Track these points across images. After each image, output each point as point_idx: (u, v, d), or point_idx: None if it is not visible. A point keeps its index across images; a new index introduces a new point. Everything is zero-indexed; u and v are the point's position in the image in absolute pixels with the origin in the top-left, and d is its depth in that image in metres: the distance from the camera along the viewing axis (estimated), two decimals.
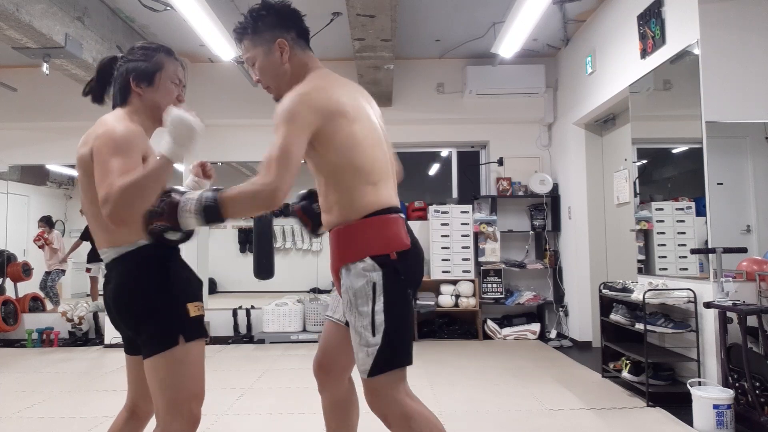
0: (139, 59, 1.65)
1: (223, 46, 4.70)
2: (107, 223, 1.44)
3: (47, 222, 6.71)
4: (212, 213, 1.42)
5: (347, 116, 1.56)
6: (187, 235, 1.52)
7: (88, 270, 6.90)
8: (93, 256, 6.79)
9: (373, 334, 1.51)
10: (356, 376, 1.68)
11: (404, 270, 1.56)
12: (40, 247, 6.66)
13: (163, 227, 1.44)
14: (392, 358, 1.53)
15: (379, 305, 1.52)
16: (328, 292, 6.48)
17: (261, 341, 5.61)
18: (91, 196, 1.55)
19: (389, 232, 1.58)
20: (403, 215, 1.66)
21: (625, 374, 3.57)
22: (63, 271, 6.82)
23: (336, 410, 1.87)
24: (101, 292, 6.18)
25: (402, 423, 1.53)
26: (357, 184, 1.57)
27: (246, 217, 1.57)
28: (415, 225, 6.01)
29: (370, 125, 1.64)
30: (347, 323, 1.72)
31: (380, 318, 1.51)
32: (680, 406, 3.10)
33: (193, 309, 1.57)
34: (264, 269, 5.72)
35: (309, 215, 1.83)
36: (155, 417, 1.58)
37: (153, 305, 1.53)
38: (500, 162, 6.03)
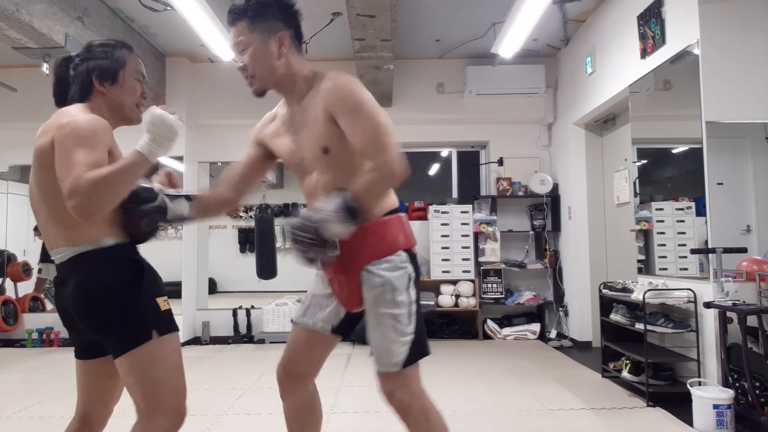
0: (100, 57, 1.59)
1: (223, 46, 4.70)
2: (67, 219, 1.39)
3: None
4: (355, 214, 1.46)
5: None
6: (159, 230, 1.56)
7: (40, 271, 6.26)
8: (46, 256, 6.55)
9: (410, 322, 1.58)
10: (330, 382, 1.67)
11: (418, 265, 1.68)
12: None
13: (146, 222, 1.50)
14: (423, 345, 1.61)
15: (414, 295, 1.61)
16: None
17: (261, 341, 5.61)
18: (47, 189, 1.48)
19: (409, 228, 1.70)
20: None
21: (625, 374, 3.57)
22: None
23: (301, 415, 1.85)
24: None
25: (421, 416, 1.59)
26: None
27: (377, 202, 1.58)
28: (415, 225, 6.01)
29: None
30: (334, 329, 1.76)
31: (415, 308, 1.60)
32: (680, 406, 3.09)
33: (162, 303, 1.55)
34: (267, 269, 5.72)
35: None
36: (138, 416, 1.55)
37: (125, 302, 1.48)
38: (500, 162, 6.03)
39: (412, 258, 1.65)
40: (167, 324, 1.55)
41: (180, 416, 1.55)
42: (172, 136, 1.42)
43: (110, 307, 1.48)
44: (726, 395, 2.81)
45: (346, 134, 1.53)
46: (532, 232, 5.91)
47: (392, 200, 1.68)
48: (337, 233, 1.46)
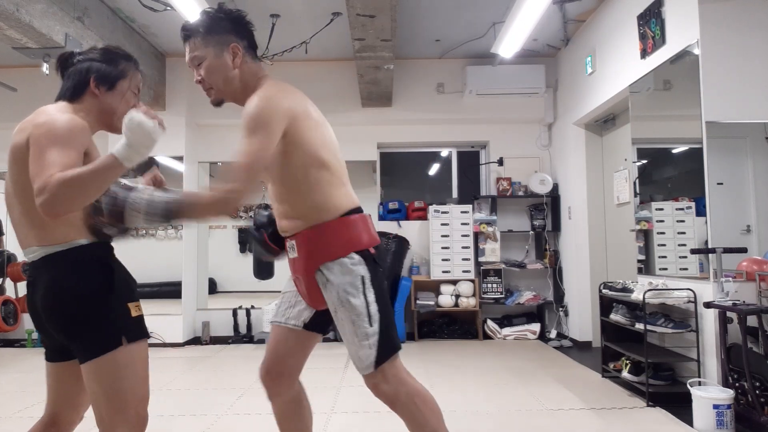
0: (104, 61, 1.62)
1: None
2: (39, 218, 1.38)
3: None
4: (168, 216, 1.45)
5: (313, 118, 1.66)
6: (126, 232, 1.51)
7: None
8: None
9: (371, 324, 1.60)
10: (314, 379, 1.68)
11: (382, 262, 1.71)
12: None
13: (106, 224, 1.44)
14: (392, 341, 1.64)
15: (371, 296, 1.62)
16: None
17: (261, 341, 5.61)
18: (21, 187, 1.47)
19: (366, 229, 1.71)
20: (367, 214, 1.76)
21: (625, 374, 3.57)
22: None
23: (289, 414, 1.87)
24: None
25: (409, 401, 1.64)
26: (331, 183, 1.66)
27: (200, 222, 1.58)
28: (415, 225, 6.02)
29: (330, 131, 1.74)
30: (307, 326, 1.79)
31: (374, 308, 1.61)
32: (680, 406, 3.10)
33: (134, 309, 1.52)
34: (264, 270, 5.72)
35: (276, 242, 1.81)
36: (97, 423, 1.52)
37: (95, 307, 1.45)
38: (500, 162, 6.03)
39: (368, 258, 1.65)
40: (138, 330, 1.52)
41: (142, 424, 1.52)
42: (149, 143, 1.39)
43: (79, 311, 1.45)
44: (726, 395, 2.81)
45: None
46: (532, 232, 5.91)
47: (351, 200, 1.71)
48: (133, 223, 1.45)
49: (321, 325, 1.81)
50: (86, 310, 1.45)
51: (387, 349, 1.62)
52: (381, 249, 1.73)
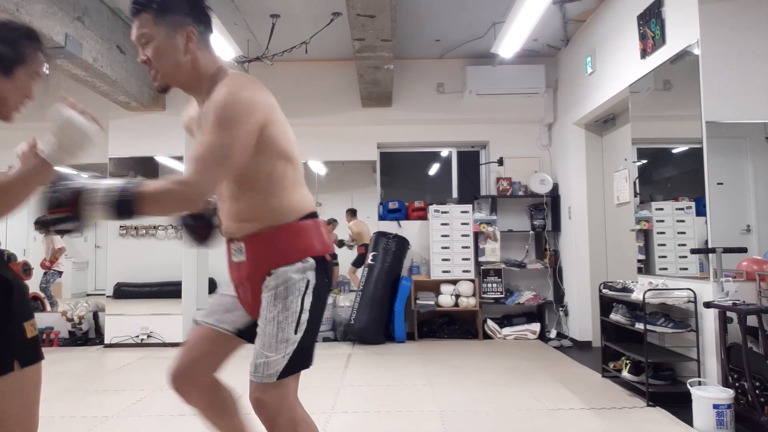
0: (4, 45, 1.35)
1: (223, 46, 4.70)
2: None
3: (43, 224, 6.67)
4: (125, 208, 1.32)
5: (281, 117, 1.56)
6: (81, 227, 1.36)
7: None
8: None
9: (296, 332, 1.50)
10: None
11: (329, 274, 1.61)
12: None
13: (62, 218, 1.31)
14: (304, 359, 1.53)
15: (308, 303, 1.52)
16: None
17: None
18: None
19: (323, 234, 1.62)
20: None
21: (625, 374, 3.57)
22: (59, 273, 6.76)
23: (213, 410, 1.74)
24: None
25: (289, 427, 1.51)
26: (295, 183, 1.57)
27: (161, 216, 1.47)
28: (415, 225, 6.02)
29: (290, 130, 1.63)
30: (240, 333, 1.67)
31: (305, 316, 1.52)
32: (680, 406, 3.10)
33: (29, 329, 1.32)
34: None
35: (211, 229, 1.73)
36: None
37: None
38: (500, 162, 6.03)
39: (320, 265, 1.56)
40: (32, 353, 1.33)
41: None
42: (83, 143, 1.26)
43: None
44: (726, 395, 2.81)
45: None
46: (532, 232, 5.91)
47: (310, 204, 1.62)
48: (90, 216, 1.32)
49: (252, 333, 1.64)
50: None
51: (298, 363, 1.51)
52: (332, 261, 1.63)
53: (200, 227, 1.70)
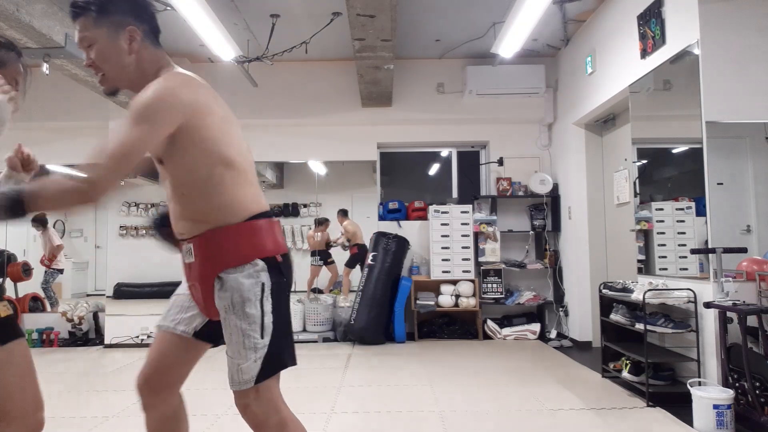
0: None
1: (223, 46, 4.70)
2: None
3: (40, 221, 6.65)
4: (15, 206, 1.31)
5: (216, 114, 1.50)
6: None
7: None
8: None
9: (262, 336, 1.47)
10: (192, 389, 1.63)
11: (286, 272, 1.56)
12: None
13: None
14: (280, 359, 1.51)
15: (268, 306, 1.49)
16: (321, 292, 6.48)
17: None
18: None
19: (273, 234, 1.56)
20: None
21: (625, 374, 3.57)
22: (60, 271, 6.77)
23: (165, 429, 1.70)
24: None
25: (278, 430, 1.50)
26: (237, 183, 1.51)
27: (58, 213, 1.41)
28: (415, 225, 6.02)
29: (239, 131, 1.59)
30: (197, 334, 1.65)
31: (269, 319, 1.48)
32: (680, 406, 3.10)
33: (2, 309, 1.45)
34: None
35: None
36: None
37: None
38: (500, 162, 6.03)
39: (273, 267, 1.52)
40: (9, 331, 1.45)
41: (36, 426, 1.47)
42: None
43: None
44: (726, 395, 2.81)
45: None
46: (532, 232, 5.91)
47: (259, 204, 1.56)
48: None
49: (212, 334, 1.66)
50: None
51: (273, 365, 1.48)
52: (288, 259, 1.58)
53: (173, 232, 1.64)
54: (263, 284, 1.49)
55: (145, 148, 1.38)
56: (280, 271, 1.54)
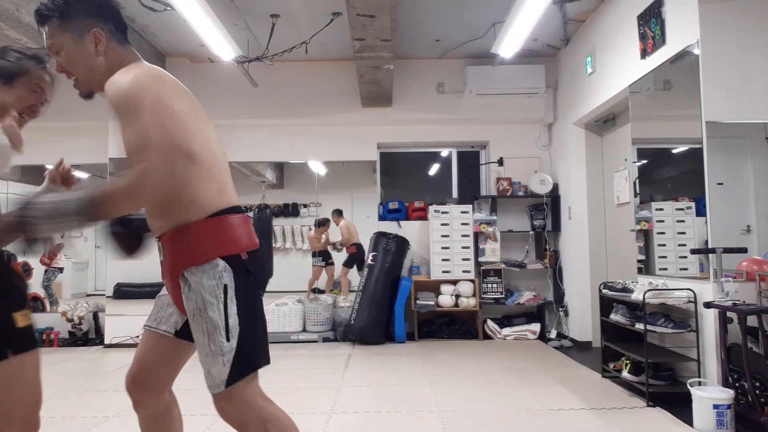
0: (7, 60, 1.60)
1: (223, 46, 4.70)
2: None
3: None
4: (83, 213, 1.32)
5: (181, 103, 1.45)
6: (36, 243, 1.42)
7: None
8: None
9: (228, 339, 1.43)
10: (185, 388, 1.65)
11: (255, 270, 1.51)
12: None
13: (33, 238, 1.36)
14: (250, 360, 1.47)
15: (233, 308, 1.44)
16: (323, 292, 6.48)
17: None
18: None
19: (239, 231, 1.50)
20: (249, 215, 1.56)
21: (625, 374, 3.57)
22: (60, 269, 6.76)
23: (156, 428, 1.70)
24: None
25: (258, 427, 1.47)
26: (200, 179, 1.46)
27: (128, 213, 1.40)
28: (415, 225, 6.02)
29: (208, 123, 1.56)
30: (178, 333, 1.65)
31: (234, 321, 1.44)
32: (680, 406, 3.10)
33: (20, 318, 1.43)
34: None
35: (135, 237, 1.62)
36: None
37: None
38: (500, 162, 6.03)
39: (237, 265, 1.46)
40: (25, 341, 1.44)
41: (34, 429, 1.48)
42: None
43: None
44: (726, 395, 2.81)
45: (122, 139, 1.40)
46: (532, 232, 5.91)
47: (222, 199, 1.51)
48: (49, 231, 1.33)
49: (191, 333, 1.62)
50: None
51: (243, 367, 1.44)
52: (258, 255, 1.54)
53: (129, 236, 1.57)
54: (225, 286, 1.44)
55: (170, 128, 1.36)
56: (246, 269, 1.48)
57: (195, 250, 1.45)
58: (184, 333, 1.64)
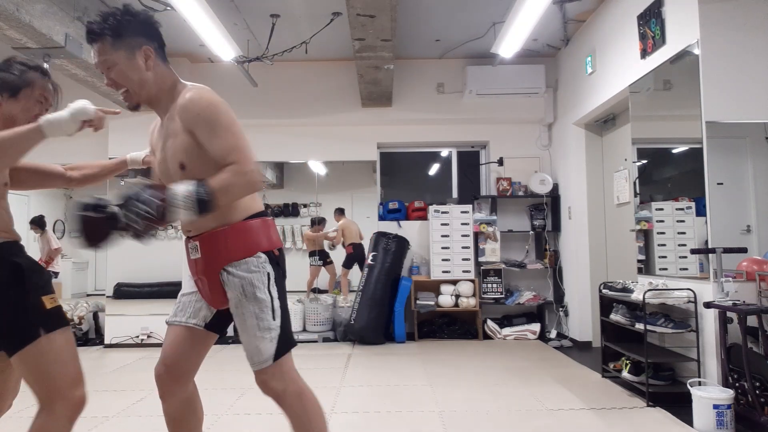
0: (12, 73, 1.69)
1: (223, 46, 4.70)
2: None
3: (38, 223, 6.64)
4: (205, 205, 1.51)
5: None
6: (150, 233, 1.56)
7: None
8: None
9: (274, 318, 1.67)
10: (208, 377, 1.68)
11: (282, 265, 1.77)
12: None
13: (147, 228, 1.50)
14: (289, 338, 1.72)
15: (275, 292, 1.70)
16: (325, 292, 6.48)
17: None
18: None
19: (273, 232, 1.77)
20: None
21: (625, 374, 3.57)
22: (55, 274, 6.72)
23: (183, 415, 1.85)
24: None
25: (296, 399, 1.70)
26: None
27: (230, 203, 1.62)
28: (415, 225, 6.03)
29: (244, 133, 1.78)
30: (207, 326, 1.81)
31: (277, 303, 1.69)
32: (680, 406, 3.10)
33: (48, 301, 1.61)
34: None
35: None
36: (39, 406, 1.61)
37: (5, 305, 1.55)
38: (500, 162, 6.04)
39: (273, 259, 1.72)
40: (55, 321, 1.61)
41: (78, 403, 1.62)
42: (82, 116, 1.56)
43: None
44: (726, 395, 2.81)
45: (206, 148, 1.58)
46: (532, 232, 5.91)
47: (256, 204, 1.75)
48: (177, 218, 1.51)
49: (219, 325, 1.85)
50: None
51: (286, 343, 1.69)
52: (283, 253, 1.79)
53: (99, 224, 1.54)
54: (269, 273, 1.69)
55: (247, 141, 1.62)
56: (278, 263, 1.74)
57: (238, 249, 1.67)
58: (213, 325, 1.83)
